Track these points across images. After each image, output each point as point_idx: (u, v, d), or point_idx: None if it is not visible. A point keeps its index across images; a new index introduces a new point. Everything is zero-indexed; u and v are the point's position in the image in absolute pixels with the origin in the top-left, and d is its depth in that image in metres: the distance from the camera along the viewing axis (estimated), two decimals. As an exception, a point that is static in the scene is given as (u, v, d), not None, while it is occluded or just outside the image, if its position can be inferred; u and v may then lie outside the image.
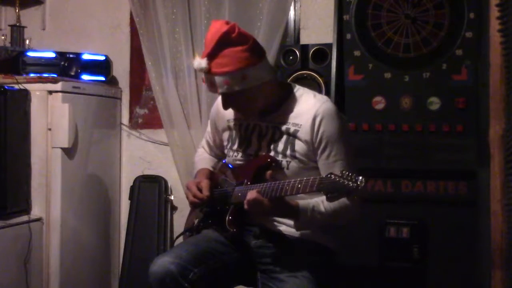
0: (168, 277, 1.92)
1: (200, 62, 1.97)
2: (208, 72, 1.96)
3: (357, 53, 2.75)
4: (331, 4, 2.83)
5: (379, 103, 2.71)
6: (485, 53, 2.25)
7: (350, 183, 1.69)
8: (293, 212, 1.95)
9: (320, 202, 1.95)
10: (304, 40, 3.30)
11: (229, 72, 1.94)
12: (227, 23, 1.98)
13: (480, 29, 2.54)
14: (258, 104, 2.05)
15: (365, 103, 2.71)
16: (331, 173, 1.75)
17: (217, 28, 1.97)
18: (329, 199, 1.77)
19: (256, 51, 2.01)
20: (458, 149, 2.60)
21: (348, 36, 2.76)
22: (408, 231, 2.61)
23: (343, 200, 1.84)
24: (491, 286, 1.91)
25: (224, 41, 1.95)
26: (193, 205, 2.20)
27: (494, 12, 1.79)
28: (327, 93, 2.78)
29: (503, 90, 1.80)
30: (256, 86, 1.99)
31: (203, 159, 2.37)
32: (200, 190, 2.13)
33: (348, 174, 1.71)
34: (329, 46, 2.85)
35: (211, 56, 1.96)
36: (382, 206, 2.65)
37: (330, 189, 1.74)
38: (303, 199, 1.95)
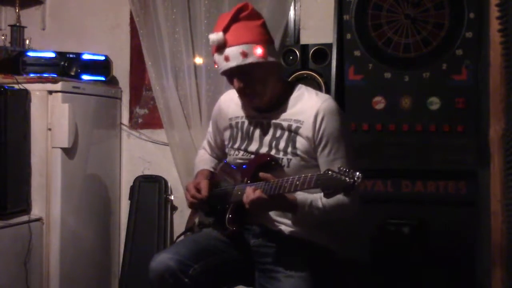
0: (167, 273, 1.93)
1: (216, 35, 1.99)
2: (224, 45, 1.98)
3: (357, 53, 2.75)
4: (331, 4, 2.83)
5: (379, 103, 2.71)
6: (485, 53, 2.25)
7: (347, 178, 1.69)
8: (291, 206, 1.95)
9: (318, 198, 1.95)
10: (304, 40, 3.30)
11: (246, 43, 1.97)
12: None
13: (480, 29, 2.54)
14: (267, 90, 2.04)
15: (365, 103, 2.71)
16: (328, 169, 1.76)
17: (230, 10, 2.02)
18: (327, 195, 1.77)
19: (268, 30, 2.06)
20: (458, 149, 2.60)
21: (348, 36, 2.76)
22: (408, 231, 2.61)
23: (341, 197, 1.83)
24: (491, 286, 1.90)
25: (239, 16, 1.99)
26: (191, 206, 2.20)
27: (494, 12, 1.79)
28: (327, 93, 2.78)
29: (503, 90, 1.80)
30: (269, 65, 2.01)
31: (203, 160, 2.37)
32: (198, 190, 2.14)
33: (345, 170, 1.71)
34: (329, 46, 2.85)
35: (227, 29, 1.98)
36: (382, 206, 2.64)
37: (328, 185, 1.74)
38: (301, 194, 1.95)
